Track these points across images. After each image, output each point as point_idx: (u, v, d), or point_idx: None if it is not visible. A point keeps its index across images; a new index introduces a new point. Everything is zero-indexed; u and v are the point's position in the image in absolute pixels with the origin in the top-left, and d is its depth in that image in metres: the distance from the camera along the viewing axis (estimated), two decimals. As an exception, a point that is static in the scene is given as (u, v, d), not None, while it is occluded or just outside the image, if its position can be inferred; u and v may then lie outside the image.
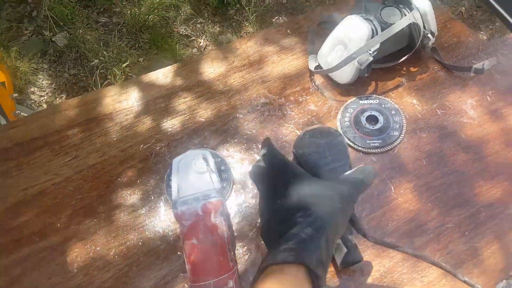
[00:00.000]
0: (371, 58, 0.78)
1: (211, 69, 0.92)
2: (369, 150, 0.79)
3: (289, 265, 0.43)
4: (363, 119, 0.82)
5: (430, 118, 0.84)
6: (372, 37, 0.79)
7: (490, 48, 0.95)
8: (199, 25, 2.11)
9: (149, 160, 0.79)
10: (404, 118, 0.82)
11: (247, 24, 2.11)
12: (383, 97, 0.85)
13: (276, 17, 2.16)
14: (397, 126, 0.81)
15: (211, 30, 2.10)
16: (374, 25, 0.80)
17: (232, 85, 0.89)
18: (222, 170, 0.76)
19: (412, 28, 0.82)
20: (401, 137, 0.80)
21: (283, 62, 0.93)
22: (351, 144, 0.80)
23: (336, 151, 0.65)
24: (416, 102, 0.86)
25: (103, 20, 2.10)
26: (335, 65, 0.80)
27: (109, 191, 0.75)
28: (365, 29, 0.78)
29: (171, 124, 0.84)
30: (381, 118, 0.82)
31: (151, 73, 0.91)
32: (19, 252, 0.70)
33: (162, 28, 2.07)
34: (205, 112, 0.85)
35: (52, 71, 1.94)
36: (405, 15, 0.83)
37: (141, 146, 0.81)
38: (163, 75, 0.91)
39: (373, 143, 0.79)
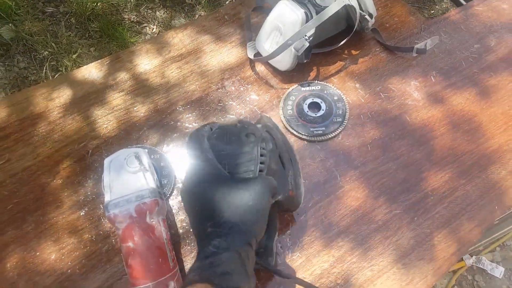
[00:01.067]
0: (307, 44, 0.75)
1: (147, 60, 0.87)
2: (313, 138, 0.77)
3: (200, 283, 0.44)
4: (305, 107, 0.79)
5: (373, 102, 0.82)
6: (307, 21, 0.75)
7: (432, 26, 0.93)
8: (150, 11, 2.03)
9: (85, 159, 0.75)
10: (347, 103, 0.80)
11: (200, 8, 2.04)
12: (325, 83, 0.83)
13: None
14: (340, 112, 0.79)
15: (163, 16, 2.02)
16: (308, 9, 0.77)
17: (169, 77, 0.85)
18: (162, 166, 0.74)
19: (349, 10, 0.79)
20: (345, 123, 0.78)
21: (221, 50, 0.89)
22: (295, 133, 0.77)
23: (242, 161, 0.55)
24: (358, 86, 0.84)
25: (50, 10, 2.00)
26: (271, 52, 0.77)
27: (46, 193, 0.72)
28: (298, 13, 0.75)
29: (106, 120, 0.80)
30: (323, 105, 0.79)
31: (83, 67, 0.87)
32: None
33: (112, 15, 1.98)
34: (142, 107, 0.81)
35: (1, 65, 1.84)
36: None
37: (76, 145, 0.77)
38: (95, 69, 0.86)
39: (316, 130, 0.77)
